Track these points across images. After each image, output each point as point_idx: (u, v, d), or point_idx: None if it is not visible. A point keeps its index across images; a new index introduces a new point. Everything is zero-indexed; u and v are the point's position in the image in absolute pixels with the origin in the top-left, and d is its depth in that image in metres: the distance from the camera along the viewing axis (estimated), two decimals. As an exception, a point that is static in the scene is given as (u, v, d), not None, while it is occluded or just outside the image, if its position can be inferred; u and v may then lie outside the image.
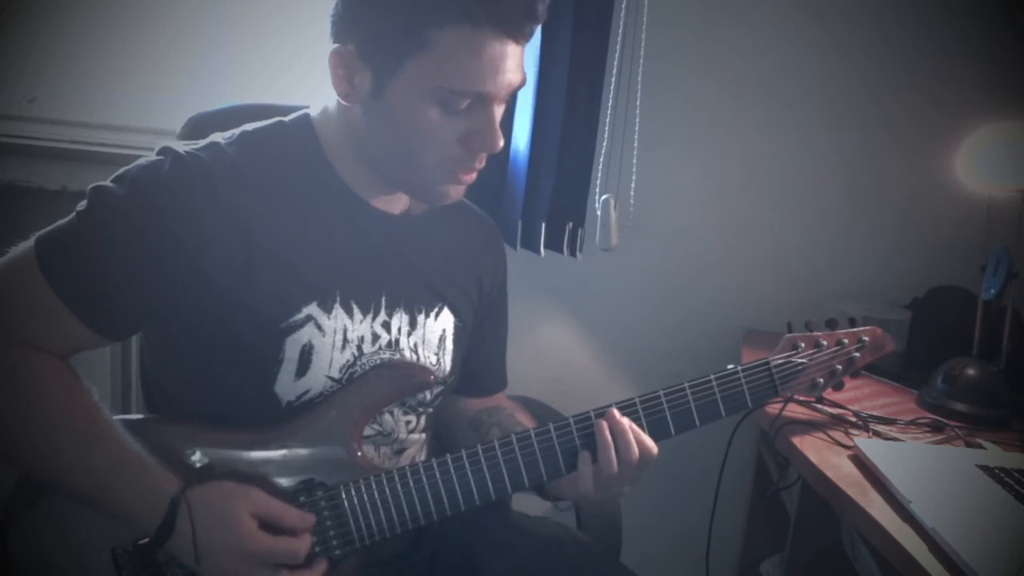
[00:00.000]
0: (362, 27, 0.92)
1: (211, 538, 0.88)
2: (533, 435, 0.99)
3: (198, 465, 0.93)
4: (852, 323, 1.18)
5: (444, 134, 0.94)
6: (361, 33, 0.92)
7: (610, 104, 1.66)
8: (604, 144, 1.68)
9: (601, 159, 1.69)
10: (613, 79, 1.65)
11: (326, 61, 0.94)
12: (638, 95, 1.67)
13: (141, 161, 0.96)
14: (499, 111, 0.96)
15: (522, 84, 0.95)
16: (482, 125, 0.94)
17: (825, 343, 1.12)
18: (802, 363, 1.10)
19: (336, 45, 0.93)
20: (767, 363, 1.08)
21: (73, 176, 1.67)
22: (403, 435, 1.07)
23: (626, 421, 0.98)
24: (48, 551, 0.93)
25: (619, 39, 1.64)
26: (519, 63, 0.94)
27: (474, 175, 0.99)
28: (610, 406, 1.00)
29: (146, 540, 0.90)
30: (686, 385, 1.03)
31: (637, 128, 1.68)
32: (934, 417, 1.32)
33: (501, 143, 0.96)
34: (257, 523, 0.89)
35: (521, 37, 0.92)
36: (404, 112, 0.93)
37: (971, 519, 0.98)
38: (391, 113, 0.93)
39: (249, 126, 1.01)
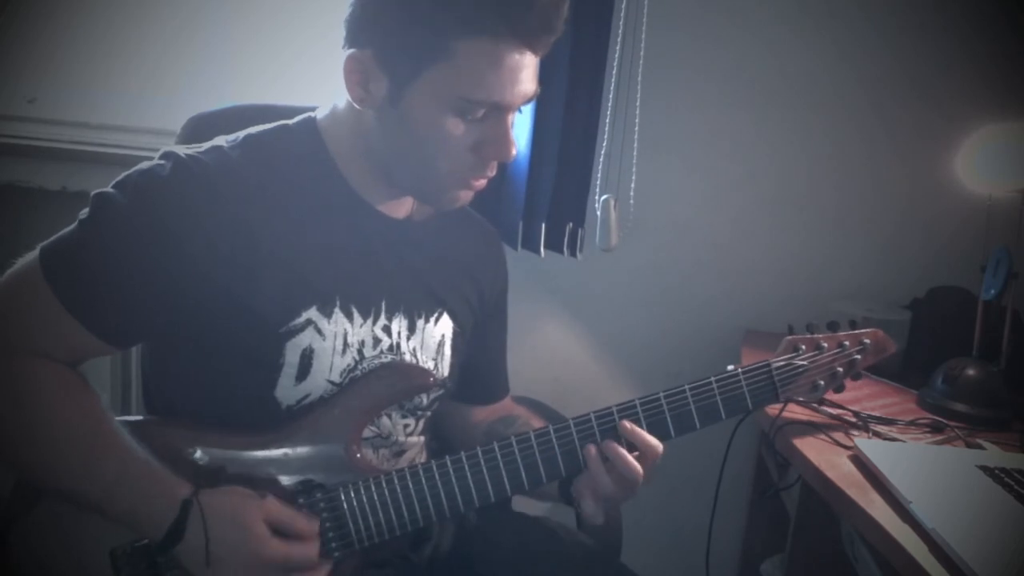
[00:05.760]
0: (383, 34, 0.91)
1: (224, 544, 0.88)
2: (533, 437, 0.99)
3: (202, 463, 0.92)
4: (853, 325, 1.17)
5: (459, 142, 0.94)
6: (381, 39, 0.92)
7: (610, 104, 1.66)
8: (604, 144, 1.68)
9: (601, 159, 1.69)
10: (613, 80, 1.65)
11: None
12: (638, 96, 1.67)
13: (143, 165, 0.95)
14: (512, 120, 0.96)
15: (536, 94, 0.96)
16: (496, 134, 0.95)
17: (826, 345, 1.11)
18: (803, 365, 1.09)
19: (352, 50, 0.93)
20: (768, 365, 1.07)
21: (73, 176, 1.66)
22: (401, 438, 1.06)
23: (614, 446, 0.97)
24: (48, 552, 0.93)
25: (619, 40, 1.64)
26: (534, 73, 0.95)
27: (484, 181, 1.00)
28: (610, 408, 1.00)
29: (144, 542, 0.90)
30: (686, 387, 1.02)
31: (637, 128, 1.68)
32: (934, 417, 1.32)
33: (515, 152, 0.96)
34: (270, 530, 0.90)
35: (540, 48, 0.93)
36: (421, 119, 0.93)
37: (971, 519, 0.98)
38: (407, 120, 0.93)
39: (253, 129, 1.01)
